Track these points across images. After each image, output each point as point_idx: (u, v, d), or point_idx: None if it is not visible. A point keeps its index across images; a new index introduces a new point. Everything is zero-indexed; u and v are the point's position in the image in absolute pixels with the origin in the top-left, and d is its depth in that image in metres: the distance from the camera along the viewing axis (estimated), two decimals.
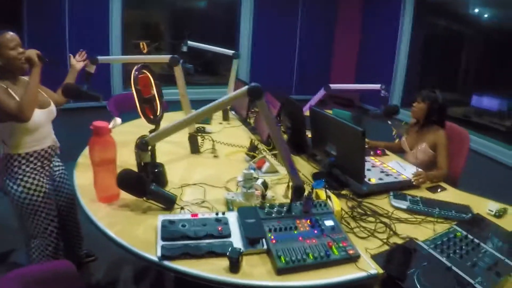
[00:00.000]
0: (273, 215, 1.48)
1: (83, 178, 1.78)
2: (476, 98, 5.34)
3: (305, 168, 2.23)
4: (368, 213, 1.66)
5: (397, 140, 2.76)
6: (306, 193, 1.55)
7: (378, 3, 5.23)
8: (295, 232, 1.40)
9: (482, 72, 5.27)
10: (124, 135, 1.94)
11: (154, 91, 1.73)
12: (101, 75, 4.32)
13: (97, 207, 1.58)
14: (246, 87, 1.29)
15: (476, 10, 5.54)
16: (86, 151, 1.87)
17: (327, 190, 1.65)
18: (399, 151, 2.71)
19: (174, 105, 2.52)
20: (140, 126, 1.87)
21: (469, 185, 2.21)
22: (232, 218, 1.47)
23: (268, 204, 1.55)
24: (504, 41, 4.38)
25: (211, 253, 1.28)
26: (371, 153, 2.53)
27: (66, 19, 4.21)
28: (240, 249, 1.25)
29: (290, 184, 1.62)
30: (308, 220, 1.47)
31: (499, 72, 5.02)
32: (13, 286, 1.03)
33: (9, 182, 1.93)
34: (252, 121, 3.11)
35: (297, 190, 1.52)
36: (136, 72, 1.61)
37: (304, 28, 5.31)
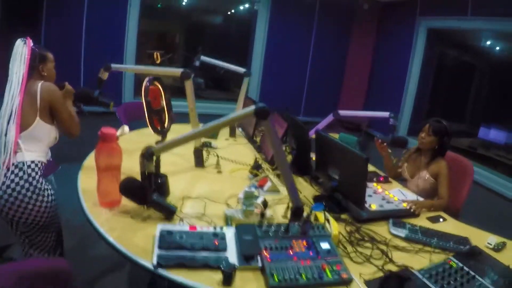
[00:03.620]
0: (270, 233, 1.49)
1: (87, 182, 1.80)
2: (483, 130, 5.32)
3: (307, 190, 2.23)
4: (366, 238, 1.66)
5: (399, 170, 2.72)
6: (305, 215, 1.55)
7: (392, 31, 5.26)
8: (291, 252, 1.41)
9: (491, 104, 5.26)
10: (131, 144, 1.97)
11: (164, 104, 1.77)
12: (114, 82, 4.41)
13: (98, 212, 1.62)
14: (253, 107, 1.32)
15: (488, 43, 5.57)
16: (93, 155, 1.88)
17: (327, 213, 1.66)
18: (400, 178, 2.68)
19: (182, 118, 2.55)
20: (147, 136, 1.92)
21: (470, 217, 2.20)
22: (230, 233, 1.48)
23: (266, 223, 1.56)
24: None
25: (206, 266, 1.29)
26: (374, 179, 2.52)
27: (83, 22, 4.30)
28: (234, 264, 1.26)
29: (290, 205, 1.61)
30: (305, 241, 1.47)
31: (509, 105, 5.00)
32: (7, 278, 1.06)
33: (36, 196, 1.75)
34: (258, 139, 3.13)
35: (296, 211, 1.52)
36: (148, 84, 1.66)
37: (316, 51, 5.35)
